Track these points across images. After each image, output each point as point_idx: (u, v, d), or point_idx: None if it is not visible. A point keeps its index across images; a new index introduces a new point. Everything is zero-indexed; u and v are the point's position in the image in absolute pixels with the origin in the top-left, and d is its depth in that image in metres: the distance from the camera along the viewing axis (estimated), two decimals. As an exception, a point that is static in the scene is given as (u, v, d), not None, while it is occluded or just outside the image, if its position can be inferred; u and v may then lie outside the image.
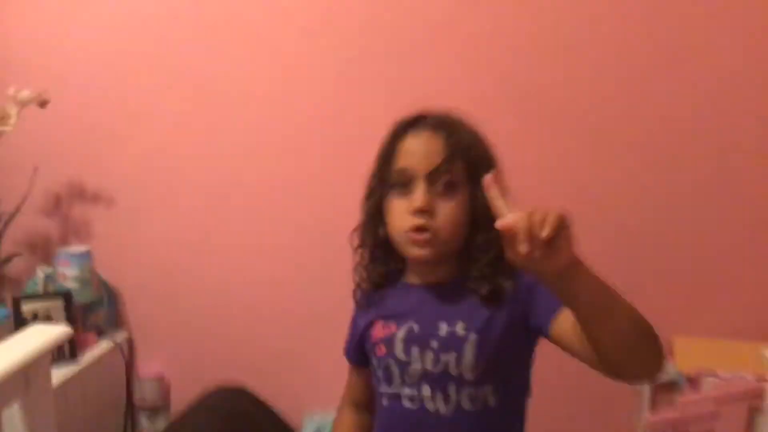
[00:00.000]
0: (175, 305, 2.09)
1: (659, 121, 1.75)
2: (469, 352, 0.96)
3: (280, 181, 1.98)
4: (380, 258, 1.08)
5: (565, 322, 0.93)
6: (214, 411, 1.95)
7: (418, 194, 0.97)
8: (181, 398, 2.05)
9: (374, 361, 1.06)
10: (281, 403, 2.08)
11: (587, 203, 1.87)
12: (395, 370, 1.02)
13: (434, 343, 0.98)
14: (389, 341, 1.02)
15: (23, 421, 1.38)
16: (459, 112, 1.07)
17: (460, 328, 0.98)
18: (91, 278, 1.93)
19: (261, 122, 1.95)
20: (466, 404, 0.97)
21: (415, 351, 0.99)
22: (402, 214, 0.99)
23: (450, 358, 0.97)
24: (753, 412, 1.61)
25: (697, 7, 1.67)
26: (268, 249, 2.03)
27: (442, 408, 0.98)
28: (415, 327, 1.01)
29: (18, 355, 1.30)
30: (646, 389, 1.92)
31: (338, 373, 2.06)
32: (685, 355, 1.82)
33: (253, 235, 2.03)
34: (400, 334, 1.01)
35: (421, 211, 0.96)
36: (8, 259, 1.96)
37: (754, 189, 1.74)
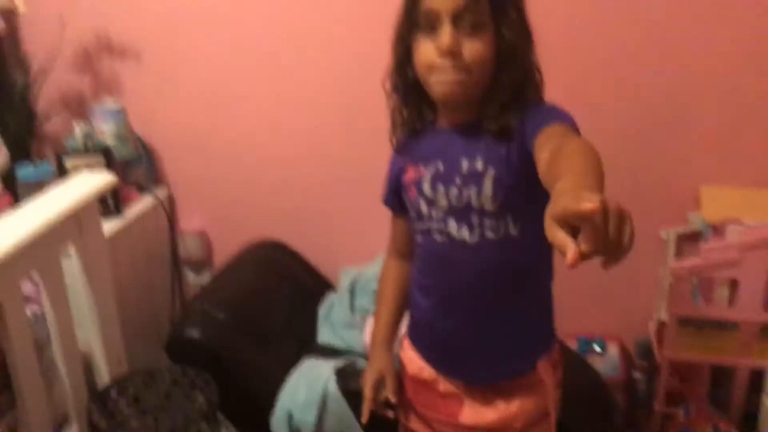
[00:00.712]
0: (212, 162, 2.14)
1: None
2: (488, 185, 1.02)
3: (316, 28, 1.96)
4: (412, 101, 1.10)
5: (545, 138, 0.90)
6: (255, 264, 2.05)
7: (445, 35, 0.97)
8: (223, 253, 2.14)
9: (408, 204, 1.13)
10: (317, 259, 2.18)
11: (616, 52, 1.84)
12: (424, 208, 1.08)
13: (457, 179, 1.04)
14: (418, 183, 1.08)
15: (80, 264, 1.47)
16: None
17: (479, 164, 1.02)
18: (127, 134, 1.97)
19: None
20: (489, 233, 1.04)
21: (440, 188, 1.05)
22: (429, 55, 1.00)
23: (471, 191, 1.03)
24: (777, 258, 1.64)
25: None
26: (305, 102, 2.04)
27: (468, 237, 1.05)
28: (441, 166, 1.06)
29: (69, 199, 1.35)
30: (672, 239, 1.97)
31: (372, 230, 2.12)
32: (711, 204, 1.84)
33: (289, 89, 2.03)
34: (427, 174, 1.07)
35: (448, 52, 0.97)
36: (48, 117, 1.99)
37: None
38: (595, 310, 2.06)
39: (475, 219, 1.04)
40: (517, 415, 1.11)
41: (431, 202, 1.07)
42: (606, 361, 1.97)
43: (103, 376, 1.44)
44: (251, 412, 1.67)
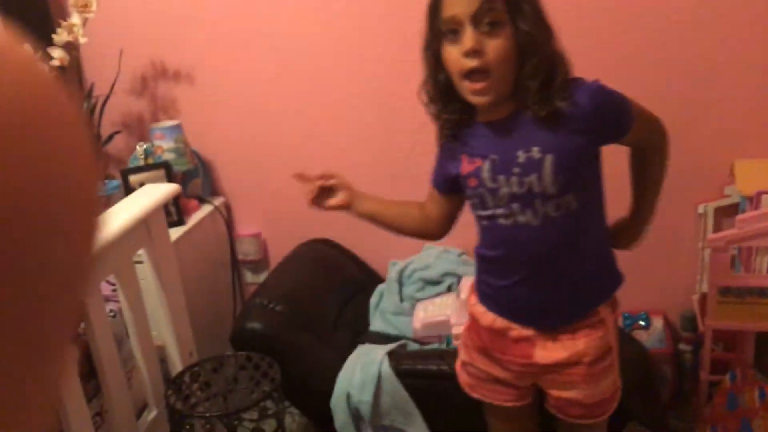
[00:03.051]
0: (263, 171, 2.28)
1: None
2: (547, 171, 1.11)
3: (349, 41, 2.08)
4: (449, 104, 1.19)
5: (627, 141, 1.21)
6: (307, 261, 2.19)
7: (467, 37, 1.07)
8: (277, 253, 2.28)
9: (468, 192, 1.21)
10: (366, 254, 2.29)
11: (649, 27, 1.89)
12: (487, 196, 1.18)
13: (516, 170, 1.13)
14: (477, 174, 1.18)
15: (151, 267, 1.63)
16: None
17: (535, 152, 1.12)
18: (185, 149, 2.13)
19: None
20: (552, 212, 1.14)
21: (501, 178, 1.15)
22: (456, 59, 1.09)
23: (532, 179, 1.12)
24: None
25: None
26: (345, 110, 2.16)
27: (532, 220, 1.15)
28: (497, 159, 1.15)
29: (138, 208, 1.51)
30: (710, 213, 2.00)
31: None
32: (745, 177, 1.87)
33: (330, 98, 2.16)
34: (485, 166, 1.16)
35: (472, 52, 1.07)
36: (110, 137, 2.17)
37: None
38: (638, 286, 2.08)
39: (538, 203, 1.14)
40: (585, 351, 1.22)
41: (493, 191, 1.16)
42: (651, 335, 2.01)
43: (177, 366, 1.59)
44: (310, 397, 1.79)
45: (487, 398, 1.34)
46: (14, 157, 0.19)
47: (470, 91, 1.10)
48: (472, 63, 1.07)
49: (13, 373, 0.21)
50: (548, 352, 1.23)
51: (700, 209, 2.01)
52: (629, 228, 1.32)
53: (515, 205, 1.15)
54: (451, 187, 1.27)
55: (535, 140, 1.12)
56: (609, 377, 1.28)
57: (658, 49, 1.91)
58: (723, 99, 1.91)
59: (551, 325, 1.23)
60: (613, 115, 1.15)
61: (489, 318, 1.27)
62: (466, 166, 1.19)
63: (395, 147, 2.16)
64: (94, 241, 0.24)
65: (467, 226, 2.19)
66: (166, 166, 2.03)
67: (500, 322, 1.26)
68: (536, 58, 1.09)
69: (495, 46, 1.07)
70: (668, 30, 1.88)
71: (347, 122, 2.17)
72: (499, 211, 1.17)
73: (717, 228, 2.00)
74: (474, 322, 1.32)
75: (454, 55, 1.09)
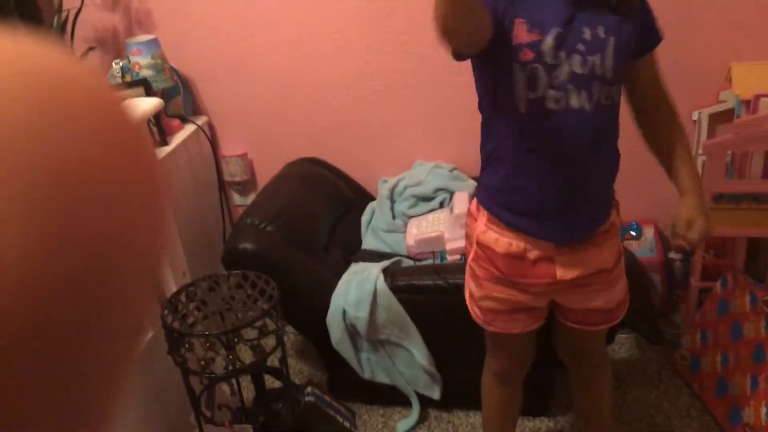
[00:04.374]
0: (247, 88, 2.19)
1: None
2: (609, 53, 1.07)
3: None
4: None
5: (648, 64, 1.19)
6: (296, 180, 2.14)
7: None
8: (265, 173, 2.23)
9: (515, 66, 1.06)
10: (356, 171, 2.26)
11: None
12: (542, 75, 1.06)
13: (581, 47, 1.06)
14: (536, 47, 1.05)
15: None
16: None
17: (601, 32, 1.07)
18: (163, 65, 2.03)
19: None
20: (604, 100, 1.10)
21: (562, 55, 1.06)
22: None
23: (596, 59, 1.07)
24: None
25: None
26: (331, 19, 2.06)
27: (586, 105, 1.08)
28: (562, 32, 1.06)
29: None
30: (704, 120, 1.98)
31: (407, 140, 2.19)
32: (742, 81, 1.84)
33: (315, 8, 2.06)
34: (548, 40, 1.05)
35: None
36: (85, 54, 2.07)
37: None
38: (629, 196, 2.08)
39: (596, 87, 1.08)
40: (608, 258, 1.23)
41: (552, 68, 1.06)
42: (642, 244, 2.03)
43: (171, 287, 1.57)
44: (306, 315, 1.79)
45: (504, 329, 1.29)
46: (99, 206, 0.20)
47: None
48: None
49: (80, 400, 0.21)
50: (571, 267, 1.21)
51: (694, 115, 1.98)
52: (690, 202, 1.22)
53: (571, 87, 1.06)
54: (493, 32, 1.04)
55: (601, 19, 1.07)
56: (622, 279, 1.30)
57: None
58: (719, 1, 1.84)
59: (574, 237, 1.19)
60: (651, 21, 1.16)
61: (503, 243, 1.21)
62: (523, 35, 1.05)
63: (386, 58, 2.08)
64: (155, 277, 0.24)
65: (458, 141, 2.16)
66: (144, 83, 1.94)
67: (516, 244, 1.20)
68: None
69: None
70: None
71: (332, 29, 2.08)
72: (552, 92, 1.06)
73: (711, 134, 1.98)
74: (485, 251, 1.24)
75: None
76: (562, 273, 1.21)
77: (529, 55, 1.05)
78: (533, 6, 1.06)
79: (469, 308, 1.35)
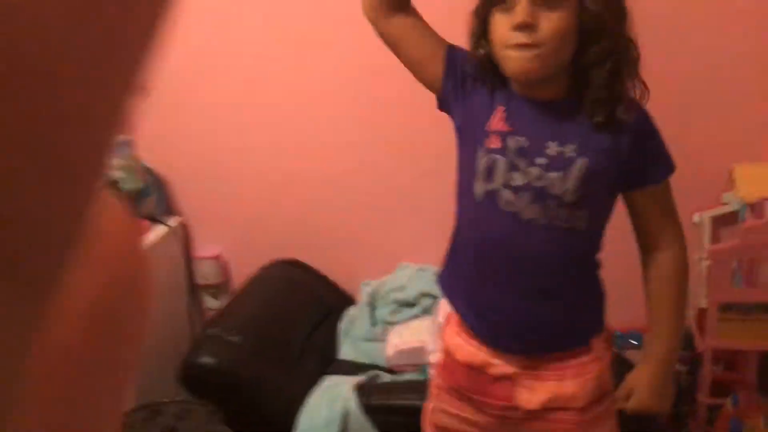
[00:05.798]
0: (223, 188, 2.11)
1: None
2: (574, 175, 0.96)
3: (326, 51, 1.93)
4: (485, 78, 1.02)
5: (643, 200, 1.03)
6: (272, 284, 2.01)
7: (520, 7, 0.91)
8: (241, 276, 2.10)
9: (480, 150, 1.02)
10: (336, 274, 2.14)
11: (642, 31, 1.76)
12: (501, 168, 1.00)
13: (541, 160, 0.97)
14: (504, 138, 1.00)
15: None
16: None
17: (570, 150, 0.97)
18: (134, 166, 1.95)
19: None
20: (560, 222, 0.99)
21: (521, 163, 0.98)
22: (504, 31, 0.93)
23: (555, 177, 0.97)
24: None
25: None
26: (314, 123, 2.01)
27: (540, 220, 0.99)
28: (525, 143, 0.99)
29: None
30: (706, 222, 1.85)
31: (390, 242, 2.08)
32: (746, 182, 1.73)
33: (295, 110, 2.00)
34: (517, 138, 0.99)
35: (523, 26, 0.91)
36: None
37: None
38: (629, 302, 1.94)
39: (551, 206, 0.98)
40: (576, 394, 1.05)
41: (511, 167, 0.99)
42: (645, 355, 1.86)
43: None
44: (273, 437, 1.62)
45: None
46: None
47: (511, 58, 0.94)
48: (520, 38, 0.91)
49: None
50: (532, 393, 1.06)
51: (696, 218, 1.86)
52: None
53: (526, 196, 0.98)
54: (453, 95, 1.04)
55: (575, 136, 0.97)
56: (606, 424, 1.10)
57: (652, 53, 1.77)
58: (721, 101, 1.78)
59: (537, 351, 1.06)
60: (653, 151, 1.02)
61: (467, 351, 1.10)
62: (497, 122, 1.01)
63: (364, 153, 2.00)
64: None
65: (444, 243, 2.03)
66: (112, 185, 1.85)
67: (480, 356, 1.08)
68: (602, 42, 0.93)
69: (551, 22, 0.91)
70: (663, 34, 1.75)
71: (318, 133, 2.01)
72: (506, 192, 0.99)
73: (714, 238, 1.85)
74: (449, 358, 1.14)
75: (502, 24, 0.93)
76: (523, 399, 1.06)
77: (495, 143, 1.00)
78: (512, 104, 1.01)
79: (426, 418, 1.22)
